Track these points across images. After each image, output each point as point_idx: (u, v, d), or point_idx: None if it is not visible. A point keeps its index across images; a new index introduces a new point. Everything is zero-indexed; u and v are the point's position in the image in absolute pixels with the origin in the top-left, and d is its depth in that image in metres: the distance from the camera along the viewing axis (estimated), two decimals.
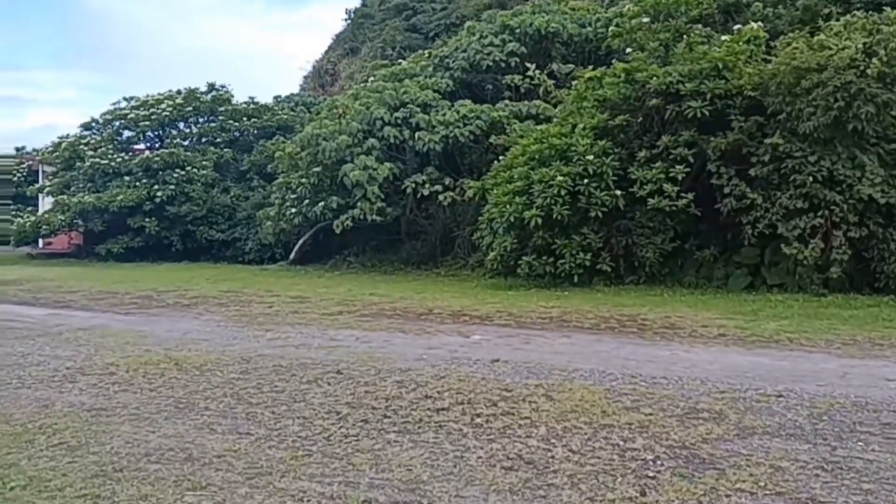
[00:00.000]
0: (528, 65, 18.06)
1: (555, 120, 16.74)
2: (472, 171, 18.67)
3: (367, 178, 17.25)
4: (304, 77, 39.18)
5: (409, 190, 18.04)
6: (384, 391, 6.54)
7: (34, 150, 29.56)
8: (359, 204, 17.35)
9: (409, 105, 18.36)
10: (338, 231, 17.93)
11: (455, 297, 13.63)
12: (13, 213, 26.42)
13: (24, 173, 30.17)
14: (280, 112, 26.56)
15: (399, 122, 18.22)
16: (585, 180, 14.02)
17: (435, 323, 10.79)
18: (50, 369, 7.46)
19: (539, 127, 16.36)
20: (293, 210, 18.37)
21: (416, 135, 17.79)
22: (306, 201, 18.21)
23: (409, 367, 7.52)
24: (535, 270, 14.40)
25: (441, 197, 17.79)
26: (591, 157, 14.05)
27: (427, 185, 17.87)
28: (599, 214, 14.03)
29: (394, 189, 18.56)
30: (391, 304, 12.64)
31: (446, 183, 18.08)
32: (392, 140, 17.85)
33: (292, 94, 30.01)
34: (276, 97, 28.53)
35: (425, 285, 16.04)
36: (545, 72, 18.24)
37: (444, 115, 18.01)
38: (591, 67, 16.39)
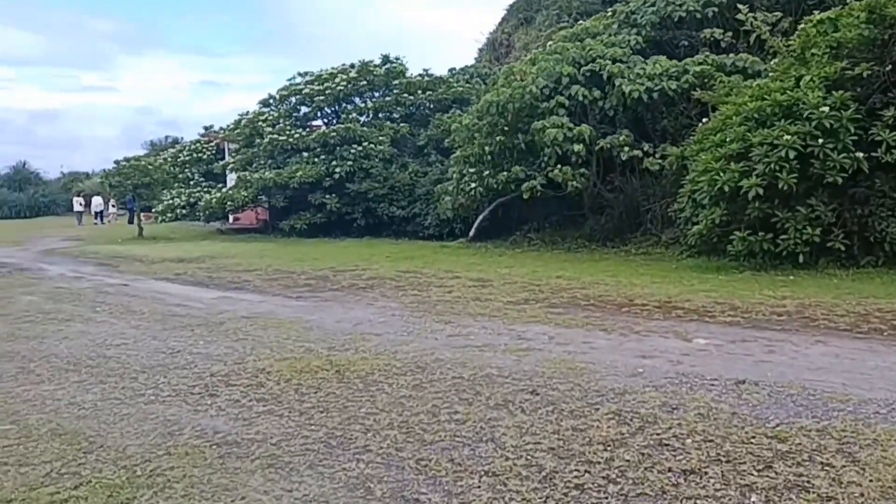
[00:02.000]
0: (739, 6, 15.20)
1: (770, 74, 13.96)
2: (665, 138, 16.25)
3: (563, 137, 15.26)
4: (479, 50, 37.58)
5: (605, 149, 15.84)
6: (598, 430, 4.70)
7: (220, 128, 30.29)
8: (552, 169, 15.45)
9: (597, 60, 16.17)
10: (526, 196, 16.15)
11: (656, 283, 11.46)
12: (204, 189, 27.11)
13: (213, 151, 31.08)
14: (455, 84, 25.08)
15: (587, 78, 16.12)
16: (819, 140, 11.33)
17: (641, 318, 8.75)
18: (194, 375, 6.29)
19: (755, 82, 13.63)
20: (472, 184, 16.82)
21: (617, 82, 15.54)
22: (486, 172, 16.60)
23: (623, 388, 5.62)
24: (749, 248, 11.93)
25: (647, 162, 15.56)
26: (825, 110, 11.33)
27: (626, 150, 15.62)
28: (838, 180, 11.32)
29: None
30: (583, 291, 10.73)
31: (645, 149, 15.77)
32: (581, 99, 15.74)
33: (467, 67, 28.47)
34: (450, 69, 27.13)
35: (616, 266, 13.93)
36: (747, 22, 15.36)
37: (641, 69, 15.67)
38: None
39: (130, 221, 34.46)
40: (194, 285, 12.70)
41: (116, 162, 27.22)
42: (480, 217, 18.63)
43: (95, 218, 39.94)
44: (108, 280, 13.43)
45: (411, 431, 4.71)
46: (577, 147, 15.39)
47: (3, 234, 29.15)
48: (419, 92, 24.89)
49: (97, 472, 4.13)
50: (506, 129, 16.32)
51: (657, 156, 15.51)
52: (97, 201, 40.68)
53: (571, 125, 15.56)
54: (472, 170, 16.86)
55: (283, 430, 4.80)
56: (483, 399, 5.35)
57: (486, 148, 16.52)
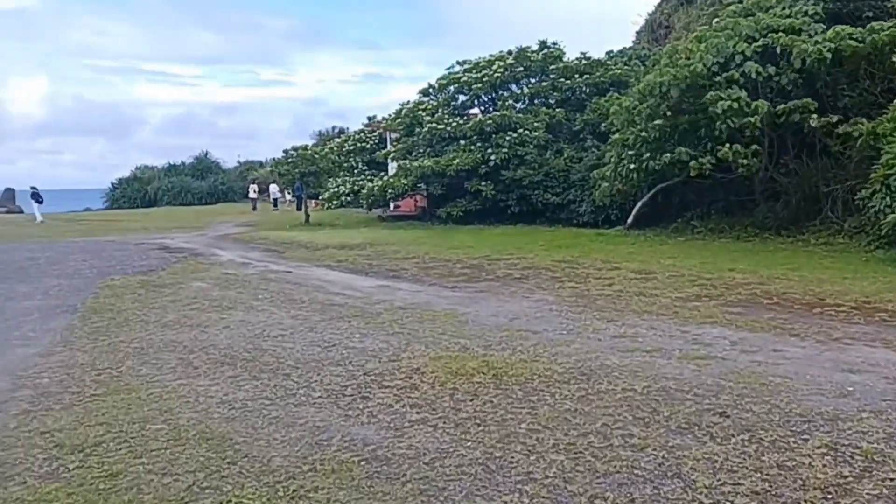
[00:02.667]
0: None
1: None
2: (847, 115, 14.29)
3: (737, 108, 13.76)
4: (637, 32, 35.61)
5: (786, 118, 14.11)
6: (811, 469, 3.77)
7: (383, 118, 30.63)
8: (720, 148, 14.00)
9: (769, 35, 14.45)
10: (693, 174, 14.78)
11: (847, 279, 9.96)
12: (367, 177, 27.52)
13: (375, 140, 31.53)
14: (613, 67, 23.68)
15: (759, 54, 14.45)
16: None
17: (837, 321, 7.47)
18: (347, 374, 5.90)
19: None
20: (631, 167, 15.64)
21: (794, 50, 13.79)
22: (646, 156, 15.36)
23: (833, 413, 4.60)
24: None
25: (833, 139, 13.78)
26: None
27: (814, 117, 13.82)
28: None
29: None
30: (762, 287, 9.47)
31: (833, 120, 13.93)
32: (753, 76, 14.12)
33: (625, 49, 26.89)
34: (608, 52, 25.73)
35: (796, 258, 12.36)
36: None
37: (821, 36, 13.85)
38: None
39: (298, 208, 35.87)
40: (354, 273, 12.60)
41: (285, 151, 28.28)
42: (640, 203, 17.36)
43: (273, 205, 41.98)
44: (272, 266, 13.66)
45: (580, 457, 4.00)
46: (752, 119, 13.76)
47: (186, 220, 31.22)
48: (576, 76, 23.73)
49: (238, 489, 3.76)
50: (669, 110, 14.99)
51: (839, 134, 13.63)
52: (273, 188, 42.72)
53: (747, 99, 13.98)
54: (631, 153, 15.67)
55: (438, 446, 4.24)
56: (662, 419, 4.53)
57: (647, 131, 15.27)
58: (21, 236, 24.00)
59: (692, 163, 14.67)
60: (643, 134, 15.27)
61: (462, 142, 23.40)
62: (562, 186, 21.21)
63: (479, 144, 22.95)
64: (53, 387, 5.84)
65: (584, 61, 24.30)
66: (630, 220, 17.53)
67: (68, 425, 4.89)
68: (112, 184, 58.66)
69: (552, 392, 5.11)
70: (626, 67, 23.52)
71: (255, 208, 40.56)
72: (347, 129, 46.44)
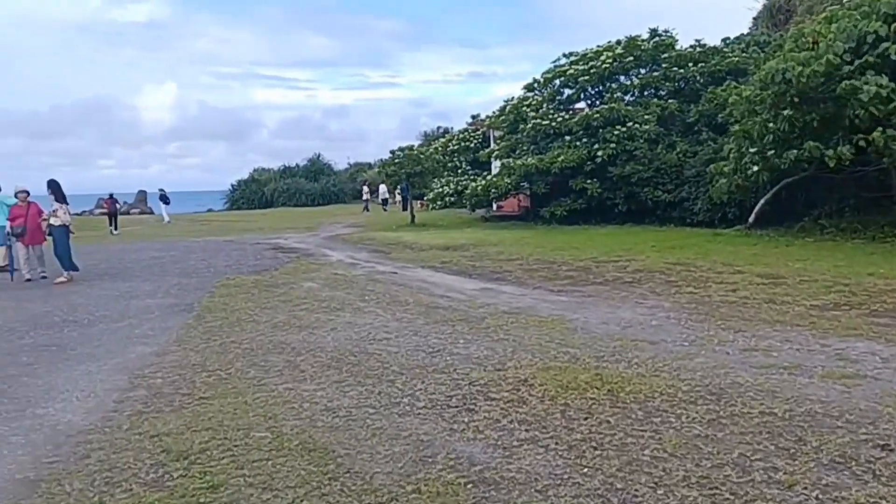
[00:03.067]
0: None
1: None
2: None
3: (885, 98, 12.49)
4: (754, 18, 33.64)
5: None
6: None
7: (486, 116, 30.30)
8: (876, 132, 12.72)
9: None
10: (832, 164, 13.49)
11: None
12: (470, 177, 27.29)
13: (479, 139, 31.24)
14: (730, 54, 22.29)
15: None
16: None
17: None
18: (452, 382, 5.58)
19: None
20: (753, 162, 14.53)
21: None
22: (771, 151, 14.22)
23: None
24: None
25: None
26: None
27: None
28: None
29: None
30: None
31: None
32: (894, 57, 12.78)
33: (742, 35, 25.34)
34: (724, 39, 24.29)
35: None
36: None
37: None
38: None
39: (404, 208, 36.16)
40: (457, 275, 12.33)
41: (392, 152, 28.45)
42: (762, 200, 16.12)
43: (382, 205, 42.56)
44: (379, 267, 13.60)
45: (717, 495, 3.48)
46: None
47: (298, 221, 32.07)
48: (690, 65, 22.46)
49: None
50: (795, 99, 13.82)
51: None
52: (383, 189, 43.33)
53: (893, 84, 12.67)
54: (752, 148, 14.55)
55: (550, 471, 3.83)
56: (810, 451, 3.93)
57: (771, 125, 14.14)
58: (149, 236, 25.34)
59: (829, 152, 13.41)
60: (769, 125, 14.12)
61: (567, 138, 22.68)
62: (674, 183, 20.12)
63: (584, 140, 22.16)
64: (166, 387, 5.84)
65: (698, 49, 23.00)
66: (751, 218, 16.32)
67: (176, 429, 4.82)
68: (231, 185, 61.41)
69: (677, 413, 4.59)
70: (743, 55, 22.09)
71: (366, 209, 41.20)
72: (452, 128, 46.47)
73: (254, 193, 57.86)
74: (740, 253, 12.90)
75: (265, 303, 9.79)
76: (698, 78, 22.23)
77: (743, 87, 15.41)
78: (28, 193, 12.76)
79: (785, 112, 13.76)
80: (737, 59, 21.83)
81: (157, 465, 4.25)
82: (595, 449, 4.08)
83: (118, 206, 32.95)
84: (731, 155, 15.31)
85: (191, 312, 9.27)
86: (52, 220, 12.53)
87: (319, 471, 3.99)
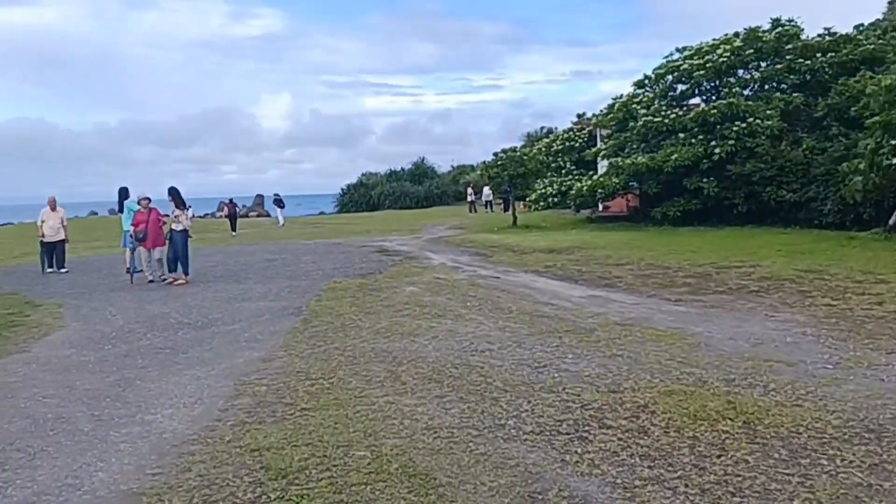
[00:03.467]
0: None
1: None
2: None
3: None
4: (889, 3, 31.02)
5: None
6: None
7: (592, 115, 29.37)
8: None
9: None
10: None
11: None
12: (575, 177, 26.52)
13: (584, 139, 30.33)
14: (864, 42, 20.46)
15: None
16: None
17: None
18: (561, 404, 5.15)
19: None
20: (893, 158, 13.15)
21: None
22: None
23: None
24: None
25: None
26: None
27: None
28: None
29: None
30: None
31: None
32: None
33: (878, 21, 23.29)
34: (856, 26, 22.37)
35: None
36: None
37: None
38: None
39: (506, 210, 35.72)
40: (563, 280, 11.82)
41: (495, 154, 28.06)
42: None
43: (486, 207, 42.31)
44: (481, 271, 13.27)
45: None
46: None
47: (403, 223, 32.28)
48: (818, 55, 20.77)
49: None
50: None
51: None
52: (486, 191, 43.11)
53: None
54: (893, 141, 13.16)
55: None
56: None
57: None
58: (264, 238, 26.13)
59: None
60: None
61: (681, 135, 21.50)
62: (800, 182, 18.66)
63: (700, 137, 20.94)
64: (269, 395, 5.73)
65: (827, 38, 21.23)
66: (892, 220, 14.75)
67: (276, 443, 4.66)
68: (341, 189, 62.82)
69: (829, 454, 3.97)
70: (880, 41, 20.25)
71: (471, 210, 41.06)
72: (556, 128, 45.51)
73: (362, 197, 58.95)
74: (880, 259, 11.69)
75: (369, 307, 9.66)
76: (826, 69, 20.52)
77: (883, 75, 13.91)
78: (149, 200, 13.37)
79: None
80: (872, 46, 20.01)
81: (256, 483, 4.08)
82: (733, 495, 3.55)
83: (237, 209, 34.60)
84: (868, 150, 13.93)
85: (298, 316, 9.26)
86: (174, 225, 13.02)
87: (420, 501, 3.67)
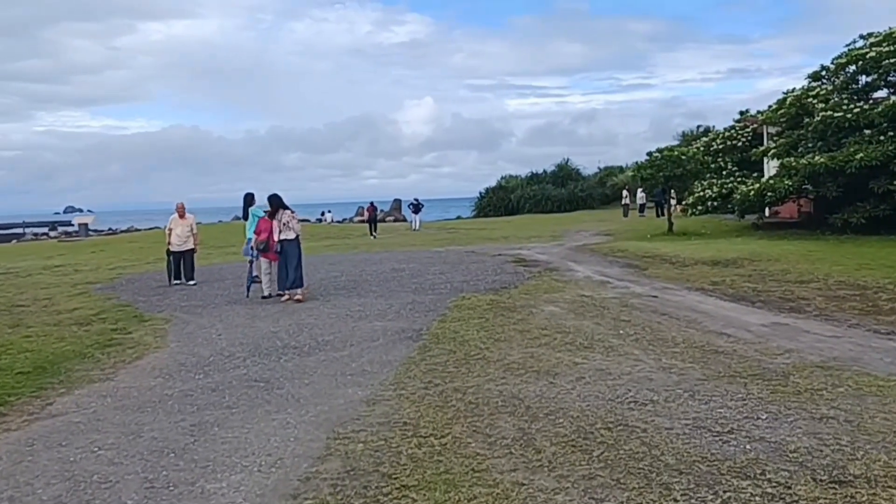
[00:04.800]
0: None
1: None
2: None
3: None
4: None
5: None
6: None
7: (758, 111, 26.43)
8: None
9: None
10: None
11: None
12: (738, 179, 23.85)
13: (748, 137, 27.35)
14: None
15: None
16: None
17: None
18: (765, 499, 3.59)
19: None
20: None
21: None
22: None
23: None
24: None
25: None
26: None
27: None
28: None
29: None
30: None
31: None
32: None
33: None
34: None
35: None
36: None
37: None
38: None
39: (659, 214, 33.20)
40: (736, 301, 9.94)
41: (648, 154, 25.79)
42: None
43: (639, 211, 39.95)
44: (634, 288, 11.58)
45: None
46: None
47: (543, 228, 30.68)
48: None
49: None
50: None
51: None
52: (640, 195, 40.74)
53: None
54: None
55: None
56: None
57: None
58: (396, 245, 25.53)
59: None
60: None
61: (867, 132, 18.54)
62: None
63: (890, 134, 17.92)
64: (365, 459, 4.57)
65: None
66: None
67: None
68: (479, 193, 62.08)
69: None
70: None
71: (625, 214, 38.84)
72: (713, 127, 42.08)
73: (501, 200, 57.82)
74: None
75: (499, 333, 8.36)
76: None
77: None
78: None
79: None
80: None
81: None
82: None
83: (378, 213, 35.19)
84: None
85: (417, 341, 8.12)
86: (284, 234, 11.93)
87: None
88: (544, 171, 61.01)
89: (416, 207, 37.32)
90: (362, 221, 52.89)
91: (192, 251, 14.90)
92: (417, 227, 35.76)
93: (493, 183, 61.66)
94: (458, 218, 58.14)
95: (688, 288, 11.36)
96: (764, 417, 4.95)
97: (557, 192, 55.26)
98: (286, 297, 11.87)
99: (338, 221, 55.60)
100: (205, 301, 12.07)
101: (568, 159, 61.93)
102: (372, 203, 35.30)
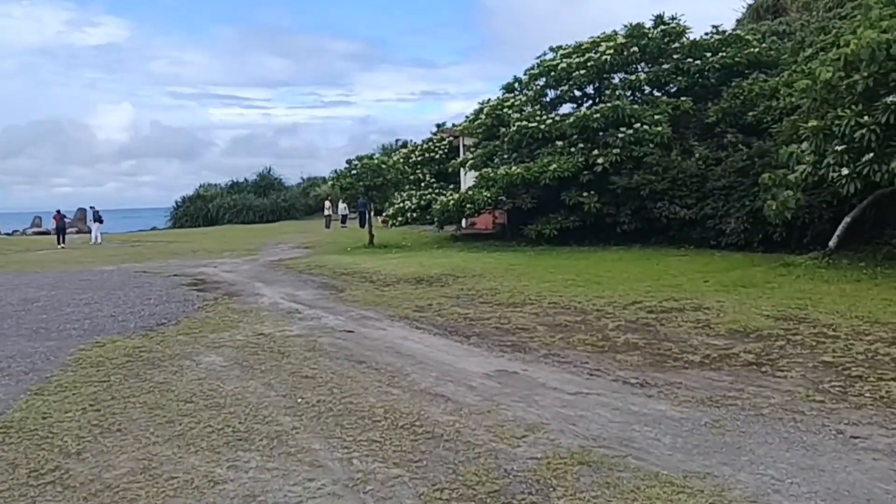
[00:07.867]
0: None
1: None
2: None
3: None
4: (737, 21, 30.23)
5: None
6: None
7: (454, 125, 25.90)
8: None
9: None
10: None
11: None
12: (436, 191, 22.86)
13: (446, 150, 26.78)
14: (752, 42, 18.20)
15: None
16: None
17: None
18: None
19: None
20: (841, 163, 10.22)
21: None
22: (868, 155, 9.95)
23: None
24: None
25: None
26: None
27: None
28: None
29: None
30: None
31: None
32: None
33: (759, 24, 21.50)
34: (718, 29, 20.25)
35: None
36: None
37: None
38: None
39: (362, 225, 31.42)
40: (447, 335, 7.82)
41: (348, 161, 23.59)
42: (849, 217, 11.73)
43: (342, 222, 37.82)
44: (327, 319, 8.98)
45: None
46: None
47: (240, 240, 27.05)
48: (707, 55, 18.35)
49: None
50: None
51: None
52: (342, 206, 38.70)
53: None
54: (839, 147, 10.28)
55: None
56: None
57: (866, 116, 9.99)
58: (54, 262, 20.04)
59: None
60: (864, 119, 9.94)
61: (559, 143, 18.27)
62: (695, 196, 15.87)
63: (581, 146, 17.78)
64: None
65: (714, 37, 18.86)
66: (833, 242, 11.79)
67: None
68: (175, 202, 55.47)
69: None
70: (762, 45, 18.16)
71: (327, 226, 36.29)
72: (411, 140, 41.79)
73: (198, 210, 52.09)
74: (863, 296, 8.64)
75: (116, 414, 5.15)
76: (715, 70, 18.08)
77: (820, 68, 11.04)
78: None
79: (891, 99, 9.62)
80: (756, 49, 17.81)
81: None
82: None
83: (66, 220, 31.57)
84: (806, 160, 10.99)
85: None
86: None
87: None
88: (245, 180, 56.41)
89: (96, 217, 31.34)
90: (38, 233, 43.96)
91: None
92: (98, 241, 29.81)
93: (190, 192, 55.52)
94: (154, 229, 51.12)
95: (390, 316, 9.07)
96: None
97: (260, 201, 51.32)
98: None
99: (6, 234, 45.41)
100: None
101: (270, 168, 58.12)
102: (59, 211, 30.35)
